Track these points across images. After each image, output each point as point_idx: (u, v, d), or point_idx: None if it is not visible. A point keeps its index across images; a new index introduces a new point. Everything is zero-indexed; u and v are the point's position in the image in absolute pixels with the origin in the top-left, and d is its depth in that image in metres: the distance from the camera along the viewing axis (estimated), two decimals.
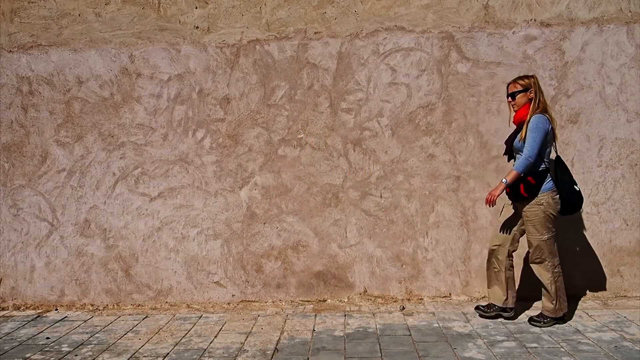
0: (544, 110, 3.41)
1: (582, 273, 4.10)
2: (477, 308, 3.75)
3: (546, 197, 3.39)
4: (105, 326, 3.83)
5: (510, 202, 3.56)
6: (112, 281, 4.28)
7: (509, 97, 3.52)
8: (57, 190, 4.28)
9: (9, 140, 4.30)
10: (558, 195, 3.44)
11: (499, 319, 3.65)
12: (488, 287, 3.69)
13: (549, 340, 3.27)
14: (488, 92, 4.09)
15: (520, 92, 3.45)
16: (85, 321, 3.96)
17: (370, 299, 4.18)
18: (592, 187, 4.09)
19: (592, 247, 4.10)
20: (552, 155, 3.55)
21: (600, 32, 4.03)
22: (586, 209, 4.09)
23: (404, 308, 3.99)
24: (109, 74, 4.24)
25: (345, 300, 4.17)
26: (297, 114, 4.18)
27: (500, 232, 3.58)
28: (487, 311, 3.66)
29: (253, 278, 4.24)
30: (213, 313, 4.06)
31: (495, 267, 3.60)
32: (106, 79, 4.24)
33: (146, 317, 4.02)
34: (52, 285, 4.31)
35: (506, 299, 3.59)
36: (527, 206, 3.43)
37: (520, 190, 3.39)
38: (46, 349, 3.42)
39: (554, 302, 3.48)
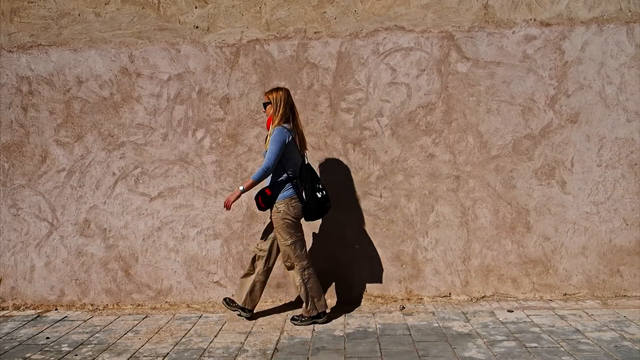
0: (285, 122, 3.59)
1: (582, 273, 4.11)
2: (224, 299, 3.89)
3: (283, 205, 3.58)
4: (105, 326, 3.83)
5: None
6: (112, 281, 4.28)
7: (263, 107, 3.74)
8: (57, 190, 4.29)
9: (8, 140, 4.30)
10: (298, 202, 3.61)
11: (501, 318, 3.66)
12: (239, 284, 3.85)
13: (548, 340, 3.27)
14: (488, 91, 4.09)
15: (268, 103, 3.65)
16: (85, 321, 3.96)
17: (370, 299, 4.18)
18: (592, 187, 4.09)
19: (592, 246, 4.10)
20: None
21: (600, 32, 4.03)
22: (586, 208, 4.09)
23: (403, 308, 3.99)
24: (108, 73, 4.24)
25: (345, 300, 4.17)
26: None
27: (262, 239, 3.78)
28: (230, 305, 3.82)
29: None
30: (213, 313, 4.06)
31: (249, 270, 3.78)
32: (106, 79, 4.24)
33: (146, 316, 4.02)
34: (52, 285, 4.31)
35: (244, 300, 3.76)
36: (271, 214, 3.62)
37: (259, 202, 3.58)
38: (46, 349, 3.42)
39: (306, 303, 3.69)
